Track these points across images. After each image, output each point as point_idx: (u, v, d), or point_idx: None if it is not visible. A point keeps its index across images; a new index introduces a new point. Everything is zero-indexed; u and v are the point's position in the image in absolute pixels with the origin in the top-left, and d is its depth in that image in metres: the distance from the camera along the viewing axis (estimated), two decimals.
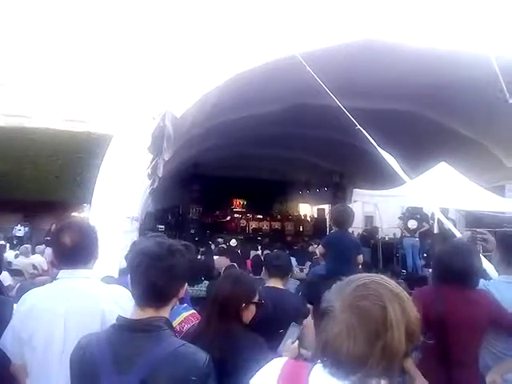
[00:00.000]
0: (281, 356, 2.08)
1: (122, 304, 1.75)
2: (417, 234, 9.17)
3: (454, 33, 6.22)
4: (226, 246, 10.22)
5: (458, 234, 4.28)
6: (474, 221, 8.31)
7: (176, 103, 6.74)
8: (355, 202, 8.99)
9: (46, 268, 7.92)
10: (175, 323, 2.19)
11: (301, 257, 8.09)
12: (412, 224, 9.15)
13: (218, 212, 19.00)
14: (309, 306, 2.97)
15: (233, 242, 11.76)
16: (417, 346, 1.06)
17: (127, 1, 22.45)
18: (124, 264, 4.67)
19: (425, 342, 1.20)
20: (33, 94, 19.86)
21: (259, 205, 19.64)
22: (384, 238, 11.19)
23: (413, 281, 6.26)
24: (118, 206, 6.42)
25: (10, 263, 7.12)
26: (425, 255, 9.15)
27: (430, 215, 9.11)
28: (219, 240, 13.00)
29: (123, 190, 6.55)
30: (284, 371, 1.07)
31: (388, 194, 8.38)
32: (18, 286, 3.96)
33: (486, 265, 2.75)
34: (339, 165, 16.24)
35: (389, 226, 11.69)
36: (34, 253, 8.80)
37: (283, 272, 2.89)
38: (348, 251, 3.34)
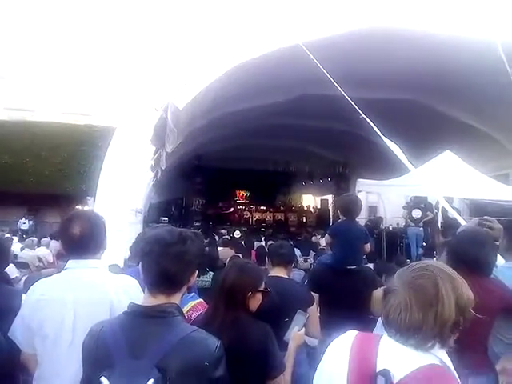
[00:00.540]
0: (287, 344, 2.10)
1: (131, 294, 1.76)
2: (421, 224, 9.17)
3: (457, 19, 6.14)
4: (229, 238, 10.25)
5: (463, 223, 4.26)
6: (478, 209, 8.28)
7: (178, 95, 6.72)
8: (359, 192, 8.96)
9: (51, 260, 7.97)
10: (183, 311, 2.21)
11: (304, 247, 8.10)
12: (416, 213, 9.14)
13: (221, 204, 19.02)
14: (314, 294, 2.98)
15: (237, 234, 11.82)
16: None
17: None
18: (128, 255, 4.71)
19: None
20: (35, 87, 19.82)
21: (262, 196, 19.63)
22: (388, 227, 11.18)
23: None
24: (121, 199, 6.44)
25: (15, 256, 7.17)
26: (424, 244, 9.14)
27: (434, 204, 9.09)
28: (223, 231, 13.04)
29: (127, 183, 6.57)
30: (355, 342, 1.21)
31: (392, 183, 8.35)
32: (25, 277, 3.98)
33: None
34: (343, 155, 16.20)
35: (392, 215, 11.67)
36: (39, 245, 8.86)
37: (287, 261, 2.89)
38: (357, 240, 3.33)
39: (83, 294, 1.78)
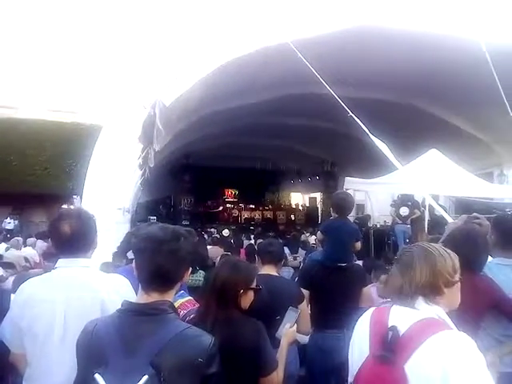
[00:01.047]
0: (279, 341, 2.11)
1: (122, 293, 1.76)
2: (408, 221, 9.27)
3: (442, 19, 6.22)
4: (218, 236, 10.24)
5: (450, 220, 4.33)
6: (464, 207, 8.41)
7: (166, 92, 6.67)
8: (347, 190, 9.02)
9: (37, 260, 7.86)
10: None
11: (293, 245, 8.13)
12: (404, 211, 9.23)
13: (209, 202, 18.98)
14: (304, 291, 3.00)
15: (225, 232, 11.79)
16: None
17: None
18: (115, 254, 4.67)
19: None
20: (19, 84, 19.47)
21: (251, 194, 19.64)
22: (376, 225, 11.28)
23: None
24: (109, 197, 6.37)
25: (0, 256, 7.05)
26: (407, 241, 9.23)
27: (420, 202, 9.20)
28: (212, 230, 13.01)
29: (114, 181, 6.50)
30: (373, 313, 1.51)
31: (379, 181, 8.43)
32: (14, 277, 3.93)
33: None
34: (330, 153, 16.28)
35: (380, 213, 11.78)
36: (25, 245, 8.72)
37: (276, 258, 2.90)
38: (348, 238, 3.35)
39: (74, 293, 1.77)
